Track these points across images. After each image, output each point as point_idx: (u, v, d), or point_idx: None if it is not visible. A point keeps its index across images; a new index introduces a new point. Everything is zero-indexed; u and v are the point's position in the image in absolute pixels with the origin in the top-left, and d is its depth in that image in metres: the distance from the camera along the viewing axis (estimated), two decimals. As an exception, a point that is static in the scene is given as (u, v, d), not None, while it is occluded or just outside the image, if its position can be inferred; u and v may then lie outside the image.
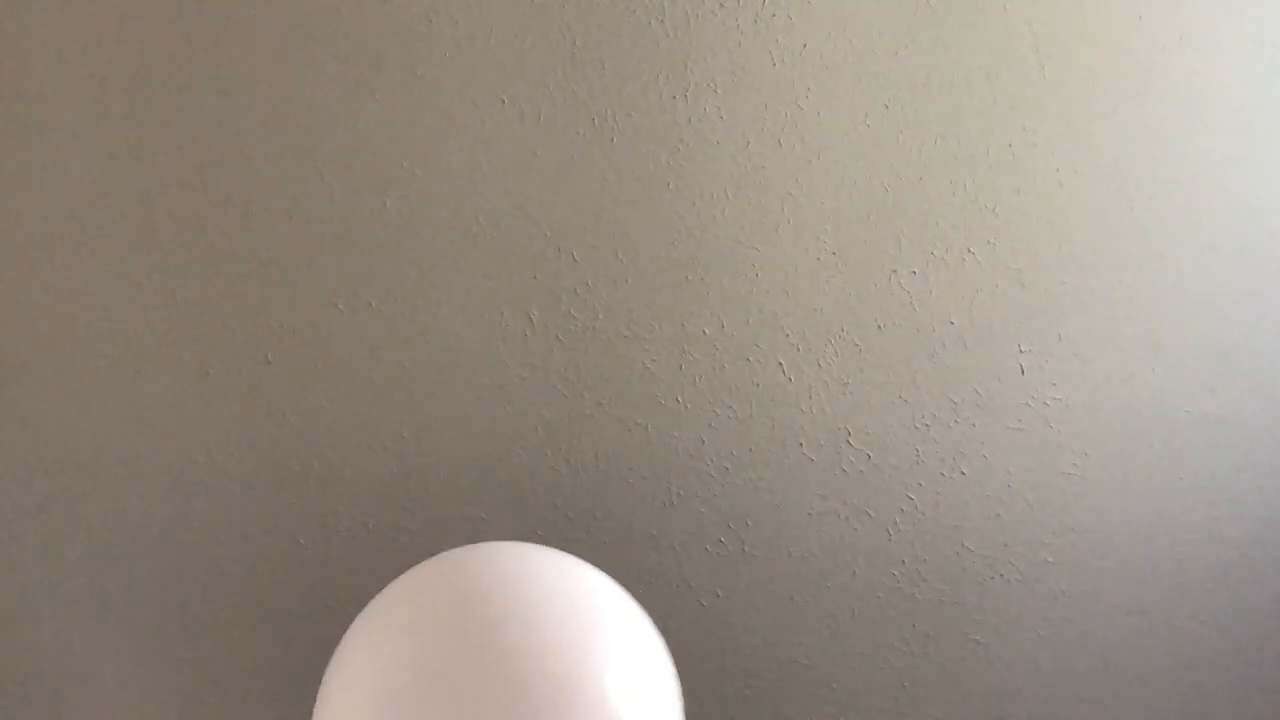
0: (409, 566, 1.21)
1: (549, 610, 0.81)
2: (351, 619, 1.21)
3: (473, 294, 1.14)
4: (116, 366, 1.12)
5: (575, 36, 1.09)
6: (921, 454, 1.21)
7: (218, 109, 1.08)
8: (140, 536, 1.16)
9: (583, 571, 0.89)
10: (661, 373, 1.17)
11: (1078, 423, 1.22)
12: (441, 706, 0.75)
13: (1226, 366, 1.22)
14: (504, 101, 1.10)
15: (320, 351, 1.14)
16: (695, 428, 1.19)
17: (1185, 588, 1.27)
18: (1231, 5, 1.13)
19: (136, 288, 1.11)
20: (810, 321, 1.17)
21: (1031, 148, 1.15)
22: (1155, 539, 1.26)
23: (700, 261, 1.15)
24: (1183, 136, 1.16)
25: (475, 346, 1.15)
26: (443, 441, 1.17)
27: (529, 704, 0.76)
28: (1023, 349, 1.20)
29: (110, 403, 1.13)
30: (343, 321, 1.13)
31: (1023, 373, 1.20)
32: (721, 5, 1.09)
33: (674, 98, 1.11)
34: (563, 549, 1.21)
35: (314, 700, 1.22)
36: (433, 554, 1.20)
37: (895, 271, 1.17)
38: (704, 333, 1.17)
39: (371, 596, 1.21)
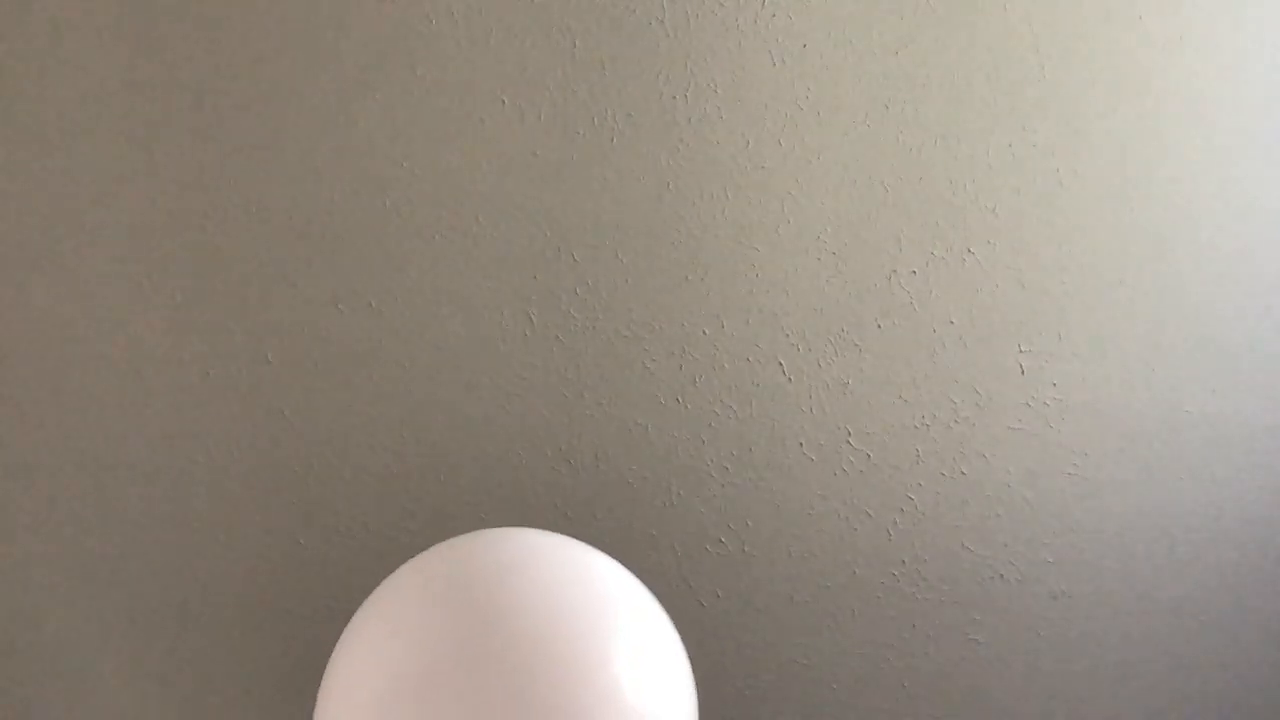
0: (409, 566, 1.21)
1: (560, 597, 0.80)
2: (351, 619, 1.21)
3: (473, 294, 1.14)
4: (116, 366, 1.12)
5: (575, 36, 1.09)
6: (921, 454, 1.21)
7: (218, 109, 1.08)
8: (140, 536, 1.16)
9: (594, 558, 0.88)
10: (661, 373, 1.17)
11: (1078, 423, 1.22)
12: (450, 694, 0.74)
13: (1226, 366, 1.22)
14: (504, 101, 1.10)
15: (320, 351, 1.14)
16: (695, 428, 1.19)
17: (1185, 587, 1.27)
18: (1231, 5, 1.13)
19: (136, 288, 1.11)
20: (810, 321, 1.17)
21: (1031, 148, 1.15)
22: (1155, 539, 1.26)
23: (700, 261, 1.15)
24: (1183, 136, 1.16)
25: (475, 346, 1.15)
26: (442, 441, 1.17)
27: (538, 691, 0.75)
28: (1023, 349, 1.20)
29: (110, 403, 1.13)
30: (343, 321, 1.13)
31: (1023, 373, 1.20)
32: (721, 5, 1.09)
33: (674, 98, 1.11)
34: (563, 549, 1.21)
35: (314, 700, 1.22)
36: (433, 554, 1.20)
37: (895, 271, 1.17)
38: (704, 333, 1.17)
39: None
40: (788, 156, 1.13)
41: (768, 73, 1.11)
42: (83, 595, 1.17)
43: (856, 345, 1.18)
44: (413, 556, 1.20)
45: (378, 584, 1.20)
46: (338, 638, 1.21)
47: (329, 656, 1.21)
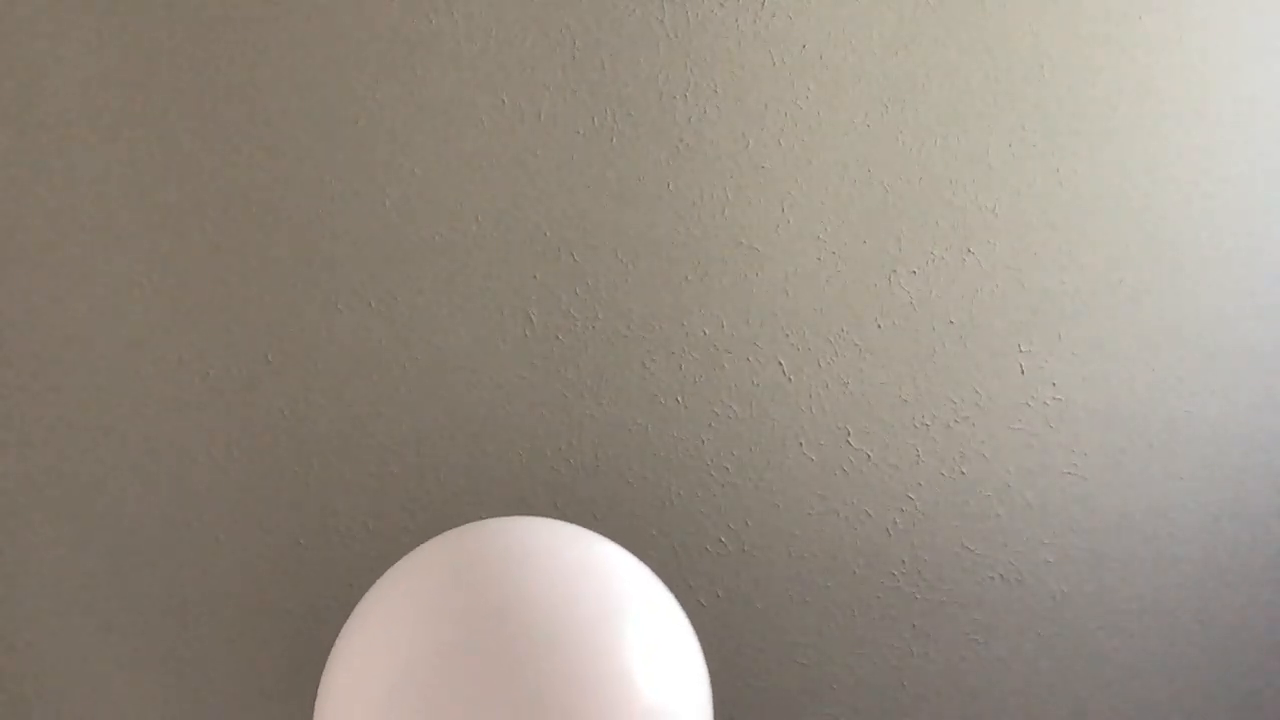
0: (409, 566, 1.20)
1: (572, 584, 0.79)
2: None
3: (473, 294, 1.14)
4: (117, 366, 1.12)
5: (575, 36, 1.09)
6: (921, 454, 1.21)
7: (218, 109, 1.08)
8: (140, 536, 1.16)
9: (606, 546, 0.87)
10: (661, 373, 1.17)
11: (1078, 423, 1.22)
12: (461, 681, 0.73)
13: (1226, 366, 1.22)
14: (504, 101, 1.10)
15: (320, 351, 1.14)
16: (695, 428, 1.19)
17: (1185, 587, 1.27)
18: (1232, 5, 1.13)
19: (136, 288, 1.11)
20: (810, 321, 1.17)
21: (1031, 148, 1.15)
22: (1155, 539, 1.26)
23: (700, 261, 1.15)
24: (1183, 136, 1.16)
25: (475, 346, 1.15)
26: (443, 441, 1.17)
27: (549, 678, 0.74)
28: (1023, 349, 1.20)
29: (110, 403, 1.13)
30: (343, 321, 1.13)
31: (1023, 373, 1.20)
32: (721, 5, 1.09)
33: (674, 98, 1.11)
34: (563, 549, 1.21)
35: (313, 699, 1.22)
36: (433, 554, 1.20)
37: (895, 271, 1.17)
38: (704, 333, 1.17)
39: (371, 596, 1.21)
40: (788, 156, 1.13)
41: (768, 73, 1.11)
42: (83, 595, 1.17)
43: (856, 345, 1.18)
44: (401, 559, 1.20)
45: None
46: (338, 638, 1.21)
47: (329, 656, 1.21)
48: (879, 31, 1.11)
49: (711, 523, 1.22)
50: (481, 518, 1.19)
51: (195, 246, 1.11)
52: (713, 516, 1.21)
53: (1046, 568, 1.25)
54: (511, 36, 1.09)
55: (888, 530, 1.23)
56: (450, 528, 1.19)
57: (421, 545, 0.89)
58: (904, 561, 1.24)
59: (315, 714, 0.83)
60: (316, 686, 1.22)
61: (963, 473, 1.22)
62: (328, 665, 0.84)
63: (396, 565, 0.87)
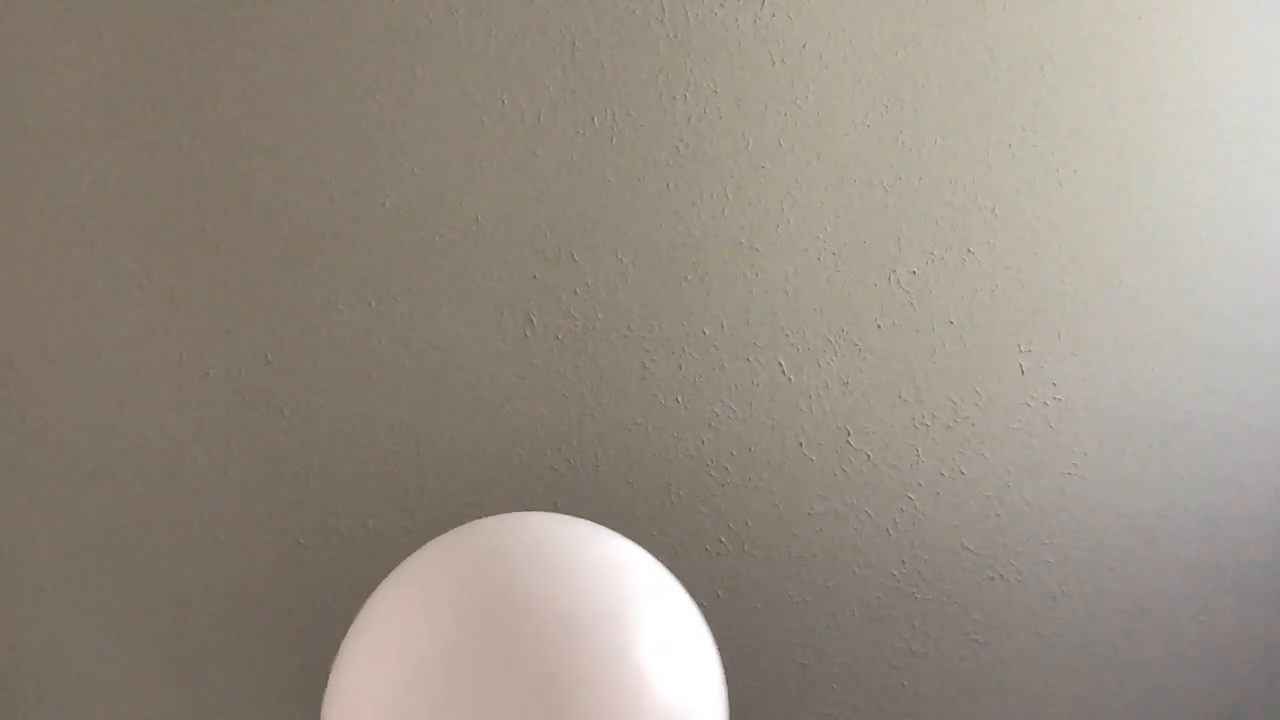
0: (409, 566, 1.20)
1: (584, 583, 0.79)
2: (351, 619, 1.21)
3: (473, 294, 1.14)
4: (116, 366, 1.12)
5: (575, 36, 1.09)
6: (921, 454, 1.21)
7: (218, 110, 1.08)
8: (140, 536, 1.16)
9: (618, 541, 0.86)
10: (661, 373, 1.17)
11: (1078, 423, 1.22)
12: (475, 676, 0.73)
13: (1226, 366, 1.22)
14: (504, 101, 1.10)
15: (320, 351, 1.14)
16: (695, 428, 1.19)
17: (1185, 587, 1.27)
18: (1231, 5, 1.13)
19: (136, 288, 1.11)
20: (810, 321, 1.17)
21: (1031, 148, 1.15)
22: (1155, 539, 1.26)
23: (700, 261, 1.15)
24: (1182, 136, 1.16)
25: (475, 346, 1.15)
26: (443, 441, 1.17)
27: (561, 682, 0.73)
28: (1023, 349, 1.20)
29: (110, 402, 1.13)
30: (343, 321, 1.13)
31: (1023, 373, 1.20)
32: (721, 5, 1.09)
33: (674, 98, 1.11)
34: (563, 549, 1.21)
35: (314, 699, 1.22)
36: (433, 554, 1.20)
37: (895, 271, 1.17)
38: (704, 333, 1.17)
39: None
40: (788, 156, 1.13)
41: (768, 73, 1.11)
42: (83, 595, 1.17)
43: (856, 345, 1.18)
44: (414, 553, 1.20)
45: (377, 584, 1.20)
46: (338, 637, 1.21)
47: (329, 656, 1.21)
48: (879, 31, 1.11)
49: (711, 523, 1.21)
50: (481, 518, 1.19)
51: (195, 246, 1.11)
52: (713, 516, 1.21)
53: (1046, 568, 1.25)
54: (511, 36, 1.09)
55: (888, 530, 1.23)
56: (450, 528, 1.19)
57: (431, 542, 0.89)
58: (904, 561, 1.24)
59: (324, 712, 0.83)
60: (317, 686, 1.22)
61: (963, 473, 1.22)
62: (336, 663, 0.84)
63: (406, 562, 0.87)
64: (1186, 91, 1.15)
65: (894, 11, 1.11)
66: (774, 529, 1.22)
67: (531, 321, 1.15)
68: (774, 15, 1.10)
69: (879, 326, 1.18)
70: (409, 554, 1.20)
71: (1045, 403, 1.21)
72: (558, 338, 1.16)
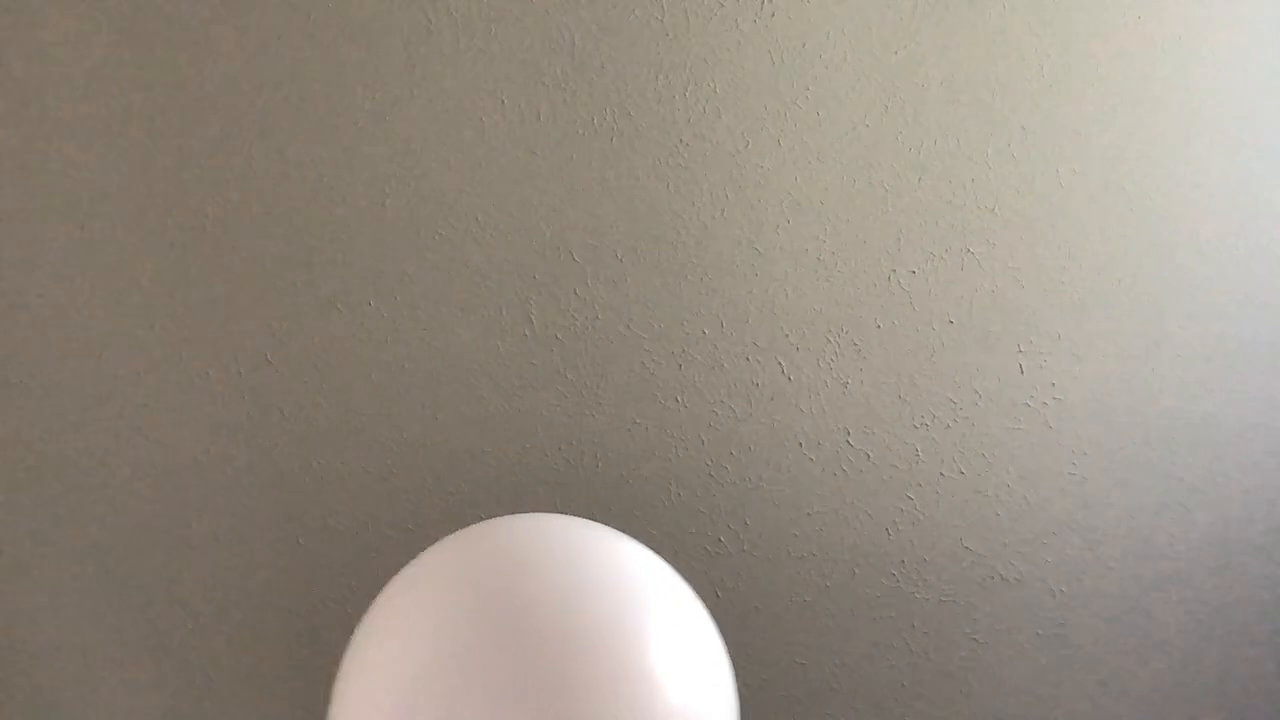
0: (409, 566, 1.20)
1: (592, 583, 0.78)
2: (351, 619, 1.21)
3: (473, 294, 1.14)
4: (117, 366, 1.12)
5: (575, 36, 1.09)
6: (921, 454, 1.21)
7: (218, 109, 1.08)
8: (140, 536, 1.16)
9: (626, 543, 0.86)
10: (661, 373, 1.17)
11: (1078, 423, 1.22)
12: (483, 677, 0.73)
13: (1226, 366, 1.22)
14: (504, 101, 1.10)
15: (320, 351, 1.14)
16: (695, 428, 1.19)
17: (1185, 587, 1.27)
18: (1231, 5, 1.13)
19: (136, 288, 1.11)
20: (810, 321, 1.17)
21: (1031, 148, 1.15)
22: (1155, 539, 1.26)
23: (700, 261, 1.15)
24: (1182, 136, 1.16)
25: (475, 346, 1.15)
26: (442, 441, 1.17)
27: (570, 683, 0.73)
28: (1022, 349, 1.20)
29: (110, 403, 1.13)
30: (343, 321, 1.13)
31: (1023, 373, 1.20)
32: (721, 5, 1.09)
33: (674, 98, 1.11)
34: (563, 549, 1.20)
35: (314, 699, 1.22)
36: (433, 554, 1.20)
37: (895, 271, 1.17)
38: (704, 333, 1.17)
39: (371, 596, 1.21)
40: (788, 156, 1.13)
41: (768, 73, 1.11)
42: (83, 595, 1.17)
43: (856, 345, 1.18)
44: (413, 557, 1.20)
45: (377, 584, 1.20)
46: (338, 637, 1.21)
47: (330, 656, 1.21)
48: (879, 31, 1.11)
49: (711, 523, 1.21)
50: (482, 517, 1.19)
51: (195, 246, 1.11)
52: (713, 516, 1.21)
53: (1046, 568, 1.25)
54: (511, 36, 1.09)
55: (888, 530, 1.23)
56: (450, 528, 1.19)
57: (441, 542, 0.89)
58: (904, 561, 1.24)
59: (331, 713, 0.83)
60: (317, 685, 1.22)
61: (962, 473, 1.22)
62: (344, 664, 0.83)
63: (413, 563, 0.87)
64: (1186, 91, 1.15)
65: (894, 11, 1.11)
66: (774, 529, 1.22)
67: (531, 321, 1.15)
68: (774, 15, 1.10)
69: (879, 326, 1.18)
70: (409, 554, 1.20)
71: (1045, 403, 1.21)
72: (558, 337, 1.16)
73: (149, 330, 1.12)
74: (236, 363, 1.13)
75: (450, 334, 1.14)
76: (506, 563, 0.80)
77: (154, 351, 1.12)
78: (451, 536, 0.88)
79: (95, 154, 1.08)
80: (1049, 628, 1.27)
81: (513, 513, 1.20)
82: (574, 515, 1.20)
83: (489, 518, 1.19)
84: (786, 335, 1.17)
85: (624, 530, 1.21)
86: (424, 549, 1.19)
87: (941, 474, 1.22)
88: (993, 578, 1.25)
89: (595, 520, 1.20)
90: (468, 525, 1.19)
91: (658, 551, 1.22)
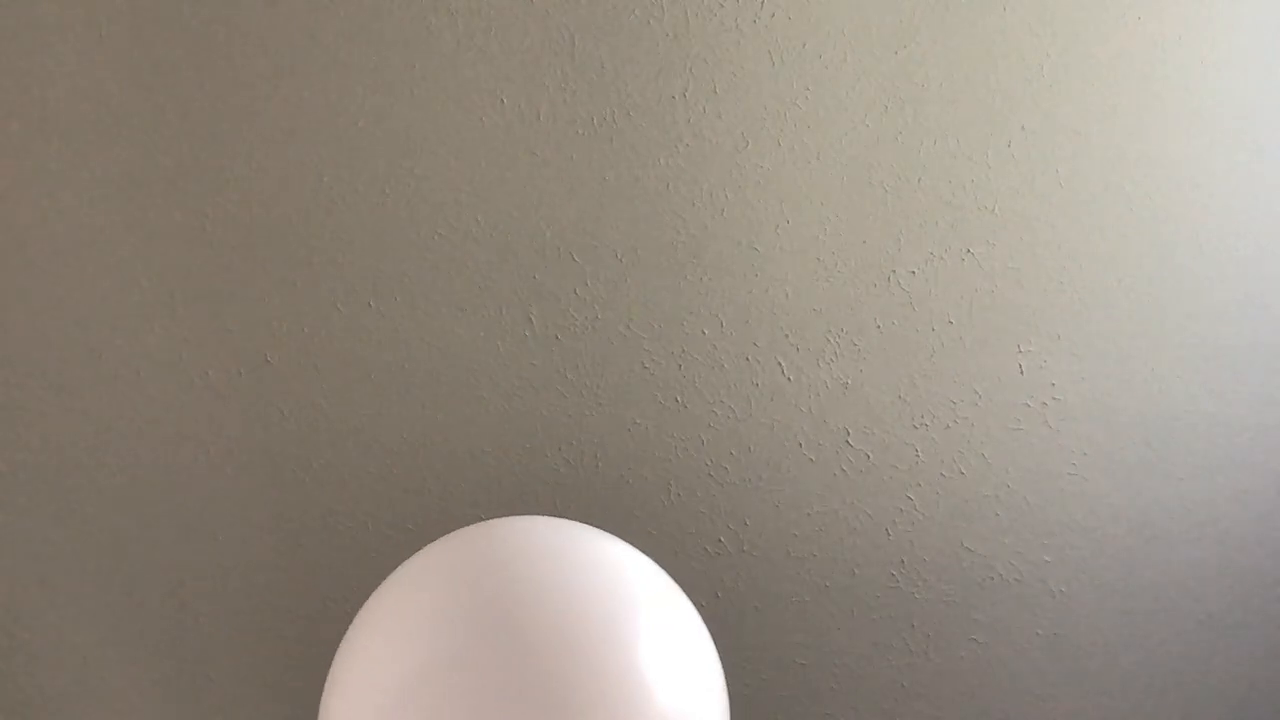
0: (409, 566, 1.20)
1: (584, 587, 0.78)
2: (351, 619, 1.21)
3: (473, 294, 1.14)
4: (116, 367, 1.12)
5: (575, 36, 1.09)
6: (921, 454, 1.21)
7: (217, 109, 1.08)
8: (140, 536, 1.16)
9: (616, 545, 0.86)
10: (661, 373, 1.17)
11: (1077, 423, 1.22)
12: (472, 681, 0.73)
13: (1226, 366, 1.22)
14: (504, 101, 1.10)
15: (320, 351, 1.14)
16: (695, 428, 1.19)
17: (1184, 587, 1.27)
18: (1231, 5, 1.13)
19: (136, 288, 1.11)
20: (810, 321, 1.17)
21: (1031, 148, 1.15)
22: (1155, 539, 1.26)
23: (700, 261, 1.15)
24: (1182, 136, 1.16)
25: (475, 346, 1.15)
26: (442, 441, 1.17)
27: (561, 686, 0.73)
28: (1022, 349, 1.20)
29: (110, 403, 1.13)
30: (343, 321, 1.13)
31: (1022, 373, 1.20)
32: (721, 5, 1.09)
33: (674, 98, 1.11)
34: (563, 549, 1.20)
35: (314, 700, 1.22)
36: (433, 554, 1.20)
37: (895, 271, 1.17)
38: (704, 333, 1.17)
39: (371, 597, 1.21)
40: (788, 156, 1.13)
41: (768, 73, 1.11)
42: (82, 594, 1.17)
43: (856, 345, 1.18)
44: (412, 556, 1.20)
45: (377, 584, 1.20)
46: (338, 638, 1.21)
47: (329, 656, 1.21)
48: (879, 31, 1.11)
49: (711, 523, 1.22)
50: (481, 518, 1.20)
51: (195, 246, 1.11)
52: (713, 516, 1.21)
53: (1046, 568, 1.25)
54: (511, 37, 1.09)
55: (887, 530, 1.23)
56: (450, 527, 1.19)
57: (430, 545, 0.89)
58: (904, 561, 1.24)
59: (321, 714, 0.83)
60: (317, 686, 1.22)
61: (962, 473, 1.22)
62: (334, 666, 0.83)
63: (404, 565, 0.87)
64: (1186, 91, 1.15)
65: (894, 11, 1.11)
66: (773, 529, 1.22)
67: (531, 321, 1.15)
68: (774, 15, 1.10)
69: (879, 327, 1.18)
70: (409, 554, 1.20)
71: (1045, 403, 1.21)
72: (558, 338, 1.16)
73: (149, 330, 1.12)
74: (236, 363, 1.13)
75: (450, 334, 1.14)
76: (496, 565, 0.80)
77: (154, 351, 1.12)
78: (442, 539, 0.88)
79: (95, 154, 1.08)
80: (1049, 628, 1.27)
81: (513, 513, 1.20)
82: (573, 515, 1.20)
83: (488, 518, 1.19)
84: (786, 335, 1.17)
85: (624, 530, 1.21)
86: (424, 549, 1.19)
87: (941, 474, 1.22)
88: (993, 578, 1.25)
89: (595, 520, 1.20)
90: (467, 525, 1.19)
91: (658, 551, 1.22)
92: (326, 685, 0.83)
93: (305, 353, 1.14)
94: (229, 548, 1.17)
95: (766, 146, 1.13)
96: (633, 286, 1.15)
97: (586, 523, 1.20)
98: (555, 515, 1.20)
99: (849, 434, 1.20)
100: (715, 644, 1.24)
